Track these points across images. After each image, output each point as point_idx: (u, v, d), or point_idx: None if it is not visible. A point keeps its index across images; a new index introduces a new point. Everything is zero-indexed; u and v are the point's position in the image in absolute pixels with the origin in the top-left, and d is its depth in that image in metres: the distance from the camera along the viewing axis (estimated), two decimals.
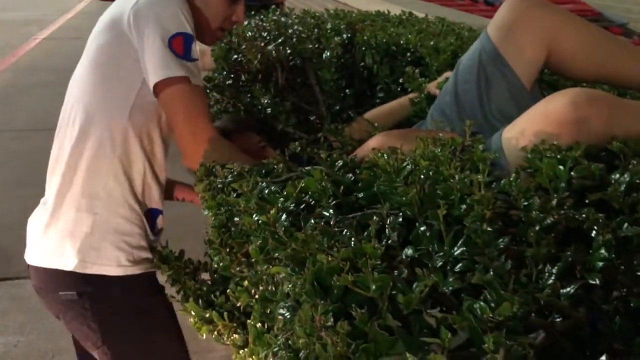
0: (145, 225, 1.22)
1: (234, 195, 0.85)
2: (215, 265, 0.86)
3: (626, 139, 0.84)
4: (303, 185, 0.74)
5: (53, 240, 1.17)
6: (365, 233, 0.59)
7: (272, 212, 0.60)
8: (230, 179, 0.89)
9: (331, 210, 0.68)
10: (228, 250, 0.81)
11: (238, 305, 0.74)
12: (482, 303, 0.46)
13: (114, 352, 1.20)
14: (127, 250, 1.18)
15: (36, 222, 1.22)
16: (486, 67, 1.13)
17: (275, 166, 0.91)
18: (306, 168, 0.86)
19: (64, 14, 10.63)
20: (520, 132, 0.89)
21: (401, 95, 1.48)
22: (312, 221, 0.58)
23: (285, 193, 0.74)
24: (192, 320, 0.96)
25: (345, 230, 0.57)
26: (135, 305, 1.22)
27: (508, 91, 1.12)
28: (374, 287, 0.46)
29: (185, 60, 1.10)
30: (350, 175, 0.80)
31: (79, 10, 11.79)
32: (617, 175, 0.74)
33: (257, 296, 0.67)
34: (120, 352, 1.22)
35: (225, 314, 0.86)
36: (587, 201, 0.72)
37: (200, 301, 0.96)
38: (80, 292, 1.17)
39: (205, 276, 1.09)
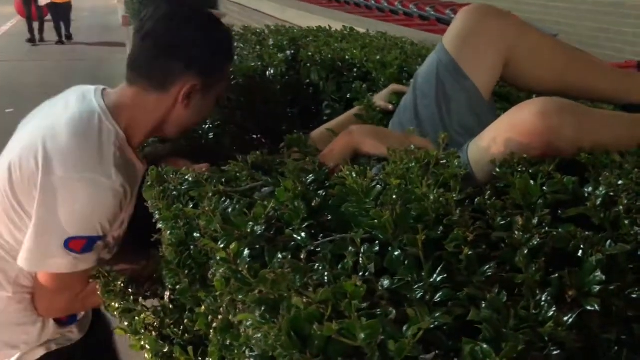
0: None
1: (191, 206, 0.76)
2: (169, 288, 0.76)
3: (595, 148, 0.82)
4: (273, 204, 0.66)
5: None
6: (340, 266, 0.52)
7: (233, 246, 0.52)
8: (186, 187, 0.80)
9: (303, 234, 0.61)
10: (186, 272, 0.72)
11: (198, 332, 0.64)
12: (484, 346, 0.40)
13: None
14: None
15: None
16: (444, 79, 1.10)
17: (238, 174, 0.83)
18: (270, 179, 0.79)
19: None
20: (488, 144, 0.86)
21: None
22: (280, 255, 0.50)
23: (253, 214, 0.65)
24: (147, 357, 0.85)
25: (319, 264, 0.50)
26: None
27: (467, 103, 1.09)
28: (362, 335, 0.39)
29: (78, 254, 1.00)
30: (322, 191, 0.72)
31: (5, 31, 11.47)
32: (591, 189, 0.71)
33: (215, 325, 0.59)
34: None
35: (189, 348, 0.75)
36: (563, 217, 0.68)
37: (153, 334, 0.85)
38: None
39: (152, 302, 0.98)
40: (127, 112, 1.05)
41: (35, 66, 7.63)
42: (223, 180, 0.82)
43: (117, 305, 0.97)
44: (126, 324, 0.93)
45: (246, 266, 0.48)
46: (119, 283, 0.97)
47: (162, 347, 0.82)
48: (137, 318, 0.88)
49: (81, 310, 1.16)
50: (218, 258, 0.51)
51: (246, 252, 0.51)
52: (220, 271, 0.51)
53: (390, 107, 1.28)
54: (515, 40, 1.10)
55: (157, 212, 0.83)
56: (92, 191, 0.98)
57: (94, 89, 1.09)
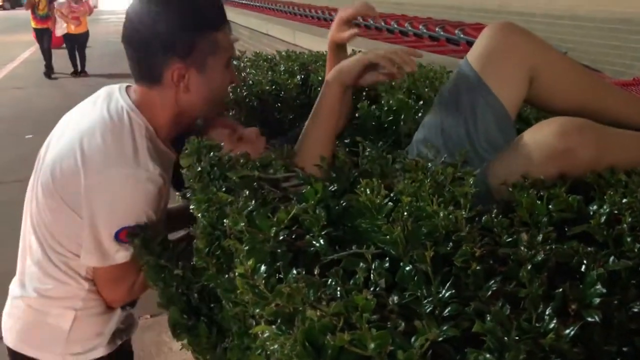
0: None
1: (224, 190, 0.78)
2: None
3: (614, 167, 0.83)
4: (296, 210, 0.68)
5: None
6: (352, 281, 0.55)
7: (250, 263, 0.55)
8: (221, 172, 0.82)
9: (322, 241, 0.64)
10: (215, 261, 0.73)
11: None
12: (487, 355, 0.42)
13: None
14: None
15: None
16: (471, 95, 1.09)
17: (273, 161, 0.86)
18: (303, 173, 0.82)
19: (9, 63, 10.38)
20: (507, 163, 0.88)
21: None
22: (294, 271, 0.53)
23: (276, 219, 0.68)
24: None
25: (331, 279, 0.53)
26: None
27: (494, 119, 1.08)
28: (372, 345, 0.41)
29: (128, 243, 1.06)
30: (343, 202, 0.75)
31: (24, 59, 11.53)
32: (595, 207, 0.74)
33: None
34: None
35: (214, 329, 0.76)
36: (568, 234, 0.71)
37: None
38: None
39: None
40: (146, 109, 1.10)
41: (54, 93, 7.68)
42: (257, 167, 0.84)
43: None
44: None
45: (263, 281, 0.51)
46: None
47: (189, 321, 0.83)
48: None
49: (140, 294, 1.19)
50: (237, 273, 0.54)
51: (263, 267, 0.54)
52: (240, 284, 0.54)
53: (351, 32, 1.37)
54: (541, 58, 1.10)
55: (190, 192, 0.86)
56: (132, 184, 1.02)
57: (118, 87, 1.14)
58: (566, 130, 0.84)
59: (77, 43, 9.23)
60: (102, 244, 1.04)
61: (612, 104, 1.14)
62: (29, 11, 9.29)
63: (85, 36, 9.41)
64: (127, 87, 1.14)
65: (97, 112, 1.08)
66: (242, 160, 0.82)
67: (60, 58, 9.67)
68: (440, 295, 0.58)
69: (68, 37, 9.18)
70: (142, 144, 1.05)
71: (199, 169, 0.83)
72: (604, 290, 0.51)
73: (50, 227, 1.09)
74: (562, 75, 1.12)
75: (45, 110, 6.70)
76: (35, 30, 9.27)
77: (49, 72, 9.44)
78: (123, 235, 1.03)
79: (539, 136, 0.86)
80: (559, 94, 1.13)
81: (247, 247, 0.57)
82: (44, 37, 9.31)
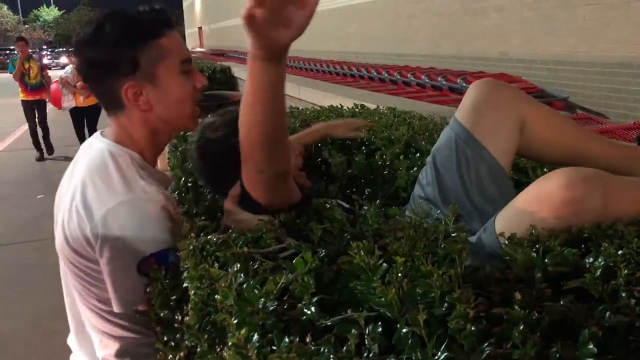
0: None
1: (217, 266, 0.79)
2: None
3: (621, 215, 0.83)
4: (285, 280, 0.69)
5: None
6: (345, 348, 0.55)
7: (243, 332, 0.55)
8: (214, 248, 0.83)
9: (313, 309, 0.64)
10: (206, 336, 0.73)
11: None
12: None
13: None
14: None
15: None
16: (464, 152, 1.12)
17: (264, 234, 0.87)
18: (294, 243, 0.83)
19: (22, 125, 10.53)
20: (514, 216, 0.88)
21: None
22: (287, 339, 0.54)
23: (264, 290, 0.69)
24: None
25: (323, 347, 0.53)
26: None
27: (488, 173, 1.10)
28: None
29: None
30: (334, 266, 0.76)
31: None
32: (592, 260, 0.74)
33: None
34: None
35: None
36: (564, 289, 0.70)
37: None
38: None
39: None
40: (123, 139, 1.10)
41: (67, 151, 7.81)
42: (248, 242, 0.85)
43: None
44: None
45: (255, 351, 0.51)
46: None
47: None
48: None
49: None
50: (230, 343, 0.55)
51: (255, 337, 0.54)
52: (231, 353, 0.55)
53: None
54: (527, 109, 1.12)
55: (184, 269, 0.86)
56: (134, 209, 1.00)
57: (94, 136, 1.15)
58: (573, 181, 0.83)
59: (86, 117, 7.46)
60: (129, 285, 1.02)
61: (599, 151, 1.16)
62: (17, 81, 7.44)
63: (96, 109, 7.42)
64: (102, 132, 1.15)
65: (82, 166, 1.09)
66: (233, 236, 0.84)
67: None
68: (436, 358, 0.58)
69: (76, 112, 7.47)
70: (130, 171, 1.05)
71: (191, 247, 0.84)
72: (595, 351, 0.51)
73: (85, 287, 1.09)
74: (549, 125, 1.15)
75: (56, 171, 6.84)
76: (24, 103, 7.49)
77: (47, 150, 7.70)
78: (145, 267, 1.01)
79: (545, 188, 0.85)
80: (547, 142, 1.15)
81: (236, 320, 0.58)
82: (35, 111, 7.58)
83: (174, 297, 0.92)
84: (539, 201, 0.85)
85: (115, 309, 1.05)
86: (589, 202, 0.83)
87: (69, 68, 7.48)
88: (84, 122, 7.47)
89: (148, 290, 1.00)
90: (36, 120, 7.62)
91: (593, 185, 0.84)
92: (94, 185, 1.04)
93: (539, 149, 1.16)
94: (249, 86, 0.85)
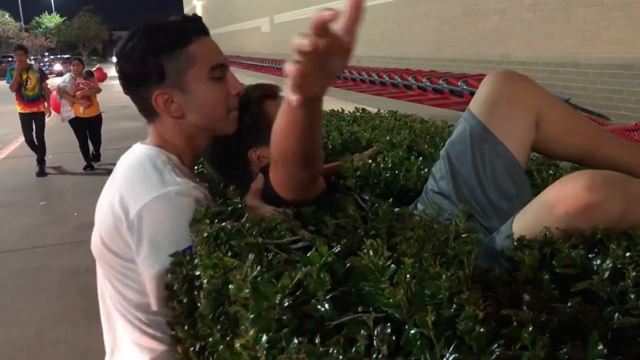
0: None
1: (230, 255, 0.79)
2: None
3: None
4: (300, 275, 0.69)
5: None
6: (354, 349, 0.55)
7: (251, 333, 0.55)
8: (228, 237, 0.83)
9: (327, 305, 0.65)
10: (219, 327, 0.71)
11: None
12: None
13: None
14: None
15: None
16: (479, 145, 1.09)
17: (278, 225, 0.87)
18: (308, 235, 0.83)
19: None
20: (533, 218, 0.86)
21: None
22: (296, 341, 0.54)
23: (280, 285, 0.68)
24: None
25: (332, 348, 0.54)
26: None
27: (504, 169, 1.08)
28: None
29: None
30: (347, 262, 0.76)
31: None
32: (599, 261, 0.74)
33: None
34: None
35: None
36: (572, 290, 0.71)
37: None
38: None
39: None
40: (161, 144, 1.13)
41: (70, 157, 7.64)
42: (262, 232, 0.84)
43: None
44: None
45: (264, 352, 0.52)
46: None
47: None
48: None
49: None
50: (238, 344, 0.55)
51: (264, 338, 0.55)
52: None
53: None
54: (543, 104, 1.10)
55: (197, 258, 0.86)
56: (166, 204, 1.01)
57: (135, 145, 1.17)
58: (594, 184, 0.81)
59: (88, 129, 7.12)
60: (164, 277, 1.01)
61: (613, 149, 1.15)
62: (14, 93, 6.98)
63: (98, 120, 7.26)
64: (142, 142, 1.18)
65: (121, 170, 1.12)
66: (248, 225, 0.84)
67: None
68: (444, 359, 0.58)
69: (77, 123, 7.05)
70: (165, 168, 1.06)
71: (205, 234, 0.85)
72: (605, 351, 0.51)
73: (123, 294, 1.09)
74: (565, 121, 1.13)
75: (59, 178, 6.85)
76: (22, 115, 7.06)
77: (42, 168, 7.05)
78: None
79: (566, 190, 0.83)
80: (562, 138, 1.13)
81: (252, 315, 0.58)
82: (33, 124, 7.10)
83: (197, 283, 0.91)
84: (560, 204, 0.83)
85: (153, 306, 1.04)
86: (610, 206, 0.81)
87: (67, 76, 7.13)
88: (86, 134, 7.11)
89: (171, 275, 0.98)
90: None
91: (615, 189, 0.82)
92: (132, 184, 1.06)
93: (553, 144, 1.14)
94: (286, 122, 0.83)
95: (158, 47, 1.07)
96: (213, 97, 1.10)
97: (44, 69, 7.41)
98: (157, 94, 1.08)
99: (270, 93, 1.25)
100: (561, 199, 0.83)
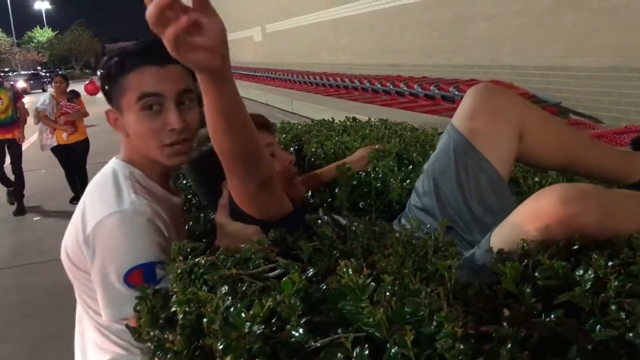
0: None
1: (206, 289, 0.78)
2: None
3: (619, 229, 0.82)
4: (271, 302, 0.68)
5: None
6: None
7: (228, 358, 0.54)
8: (202, 270, 0.83)
9: (301, 330, 0.64)
10: None
11: None
12: None
13: None
14: None
15: None
16: (463, 161, 1.09)
17: (252, 255, 0.86)
18: (283, 262, 0.82)
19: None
20: (510, 232, 0.86)
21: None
22: None
23: (251, 314, 0.67)
24: None
25: None
26: None
27: (488, 183, 1.08)
28: None
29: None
30: (323, 285, 0.75)
31: (31, 142, 11.20)
32: (582, 272, 0.73)
33: None
34: None
35: None
36: (554, 303, 0.70)
37: None
38: None
39: None
40: (128, 156, 1.18)
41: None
42: (237, 263, 0.84)
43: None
44: None
45: None
46: None
47: None
48: None
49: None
50: None
51: None
52: None
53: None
54: (525, 115, 1.10)
55: (172, 294, 0.85)
56: (121, 221, 1.03)
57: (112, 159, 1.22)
58: (568, 197, 0.81)
59: (74, 157, 5.92)
60: (115, 295, 1.03)
61: (596, 156, 1.15)
62: None
63: (84, 147, 6.04)
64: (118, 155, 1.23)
65: (93, 180, 1.17)
66: (222, 257, 0.83)
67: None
68: None
69: (60, 150, 5.88)
70: (125, 184, 1.11)
71: (179, 271, 0.84)
72: None
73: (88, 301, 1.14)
74: (547, 131, 1.13)
75: (51, 193, 6.80)
76: None
77: (20, 207, 5.82)
78: (132, 279, 1.02)
79: (541, 204, 0.84)
80: (545, 149, 1.14)
81: (221, 346, 0.57)
82: (6, 152, 5.93)
83: (163, 315, 0.90)
84: (535, 218, 0.83)
85: (103, 317, 1.07)
86: (585, 219, 0.81)
87: (46, 98, 5.79)
88: (71, 163, 5.95)
89: (137, 308, 0.99)
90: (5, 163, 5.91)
91: (589, 201, 0.82)
92: (92, 199, 1.11)
93: (537, 155, 1.14)
94: (206, 109, 0.87)
95: (107, 69, 1.14)
96: (140, 128, 1.11)
97: None
98: (108, 110, 1.16)
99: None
100: (536, 213, 0.83)
